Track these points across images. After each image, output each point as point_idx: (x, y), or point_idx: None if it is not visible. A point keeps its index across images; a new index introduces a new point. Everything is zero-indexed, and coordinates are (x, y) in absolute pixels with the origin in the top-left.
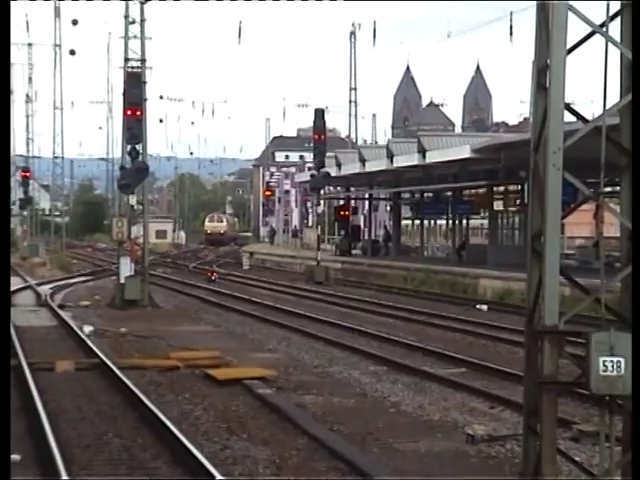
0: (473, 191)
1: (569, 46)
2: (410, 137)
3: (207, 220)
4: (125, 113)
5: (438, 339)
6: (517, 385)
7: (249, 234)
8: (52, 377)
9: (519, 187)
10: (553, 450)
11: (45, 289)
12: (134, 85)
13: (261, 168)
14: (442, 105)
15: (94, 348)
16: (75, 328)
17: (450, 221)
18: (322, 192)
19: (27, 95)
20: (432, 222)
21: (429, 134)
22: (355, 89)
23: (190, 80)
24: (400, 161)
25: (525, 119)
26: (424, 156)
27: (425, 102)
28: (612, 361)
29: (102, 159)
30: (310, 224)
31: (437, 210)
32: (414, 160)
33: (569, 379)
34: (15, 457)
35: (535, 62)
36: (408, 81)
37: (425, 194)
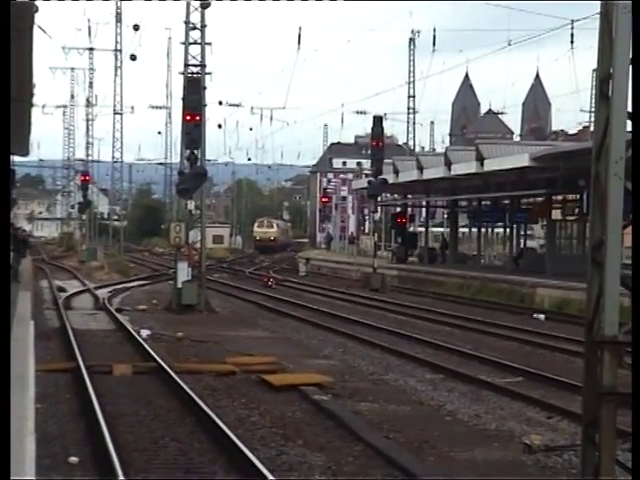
0: (531, 199)
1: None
2: (468, 145)
3: (256, 225)
4: (184, 118)
5: (495, 348)
6: (575, 395)
7: (305, 240)
8: (110, 380)
9: (578, 196)
10: (612, 461)
11: (103, 293)
12: (193, 90)
13: (318, 174)
14: (501, 113)
15: (151, 352)
16: (132, 332)
17: (507, 229)
18: (379, 199)
19: (87, 100)
20: (489, 230)
21: (487, 142)
22: (414, 97)
23: (249, 86)
24: (458, 169)
25: (584, 128)
26: (482, 164)
27: (483, 110)
28: None
29: (160, 164)
30: (367, 231)
31: (494, 218)
32: (472, 168)
33: (629, 390)
34: (74, 459)
35: (597, 71)
36: (467, 89)
37: (483, 202)
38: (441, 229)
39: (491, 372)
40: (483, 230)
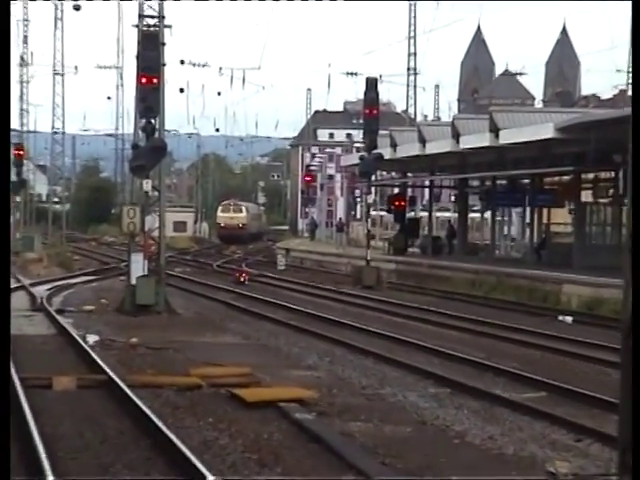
0: (556, 178)
1: None
2: (480, 113)
3: (220, 209)
4: (139, 81)
5: (512, 356)
6: (609, 414)
7: (285, 228)
8: (49, 396)
9: (613, 174)
10: None
11: (41, 290)
12: (150, 47)
13: (300, 148)
14: (519, 74)
15: (99, 362)
16: (77, 337)
17: (527, 214)
18: (373, 178)
19: (21, 57)
20: (505, 215)
21: (503, 109)
22: (414, 54)
23: (217, 42)
24: (468, 142)
25: (621, 91)
26: (497, 136)
27: (499, 71)
28: None
29: (110, 135)
30: (358, 216)
31: (511, 201)
32: (485, 141)
33: None
34: None
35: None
36: (479, 45)
37: (497, 181)
38: (447, 214)
39: (508, 385)
40: (498, 215)
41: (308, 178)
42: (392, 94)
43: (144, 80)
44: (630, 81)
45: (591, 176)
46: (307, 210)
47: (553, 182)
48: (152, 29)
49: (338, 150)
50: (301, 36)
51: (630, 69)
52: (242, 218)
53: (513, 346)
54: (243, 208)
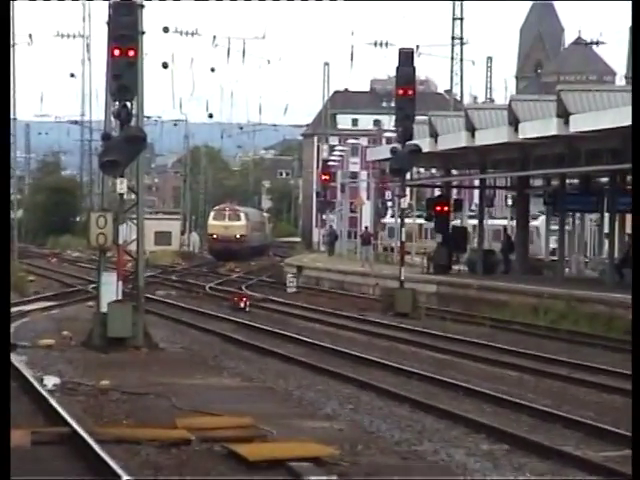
0: None
1: None
2: (545, 93)
3: (212, 216)
4: (111, 53)
5: (587, 404)
6: None
7: (296, 240)
8: None
9: None
10: None
11: None
12: (124, 11)
13: (315, 139)
14: (596, 43)
15: (61, 411)
16: (32, 380)
17: (606, 222)
18: (408, 176)
19: None
20: (577, 222)
21: (575, 88)
22: (461, 19)
23: (210, 6)
24: (529, 130)
25: None
26: (567, 122)
27: (569, 39)
28: None
29: (74, 122)
30: (389, 224)
31: (585, 205)
32: (551, 128)
33: None
34: None
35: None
36: (544, 7)
37: (567, 181)
38: (503, 222)
39: (581, 441)
40: (567, 223)
41: (325, 176)
42: (432, 69)
43: (117, 52)
44: None
45: None
46: (324, 217)
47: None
48: None
49: (363, 141)
50: None
51: None
52: (240, 227)
53: (588, 390)
54: (241, 215)
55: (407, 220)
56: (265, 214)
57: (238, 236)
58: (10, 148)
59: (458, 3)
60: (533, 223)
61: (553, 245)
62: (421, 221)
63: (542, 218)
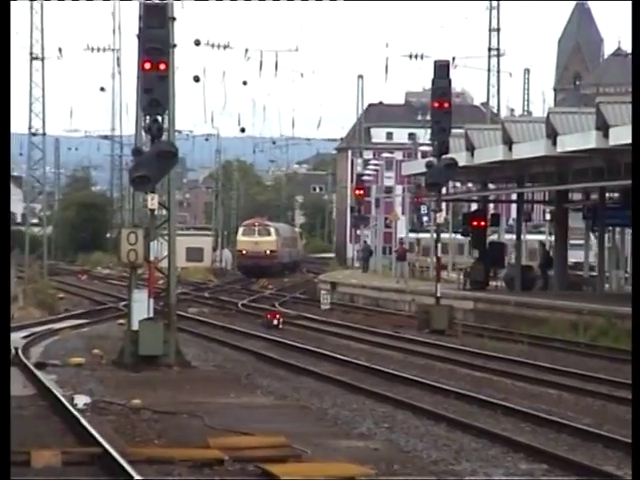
0: None
1: None
2: (584, 105)
3: (241, 232)
4: (142, 67)
5: (628, 422)
6: None
7: (330, 255)
8: (26, 476)
9: None
10: None
11: (15, 338)
12: (155, 23)
13: (349, 153)
14: None
15: (92, 431)
16: (62, 399)
17: None
18: (444, 191)
19: None
20: (615, 237)
21: (615, 100)
22: (498, 30)
23: (241, 18)
24: (568, 143)
25: None
26: (606, 135)
27: (609, 50)
28: None
29: (104, 137)
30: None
31: (626, 220)
32: (590, 141)
33: None
34: None
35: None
36: (582, 17)
37: (608, 194)
38: (540, 237)
39: (623, 461)
40: (608, 238)
41: (360, 191)
42: (468, 82)
43: (148, 66)
44: None
45: None
46: (358, 233)
47: None
48: (158, 0)
49: (398, 155)
50: (350, 9)
51: None
52: (270, 243)
53: (629, 409)
54: (272, 230)
55: (444, 235)
56: (297, 229)
57: (268, 252)
58: (10, 158)
59: (495, 14)
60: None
61: (574, 259)
62: (457, 236)
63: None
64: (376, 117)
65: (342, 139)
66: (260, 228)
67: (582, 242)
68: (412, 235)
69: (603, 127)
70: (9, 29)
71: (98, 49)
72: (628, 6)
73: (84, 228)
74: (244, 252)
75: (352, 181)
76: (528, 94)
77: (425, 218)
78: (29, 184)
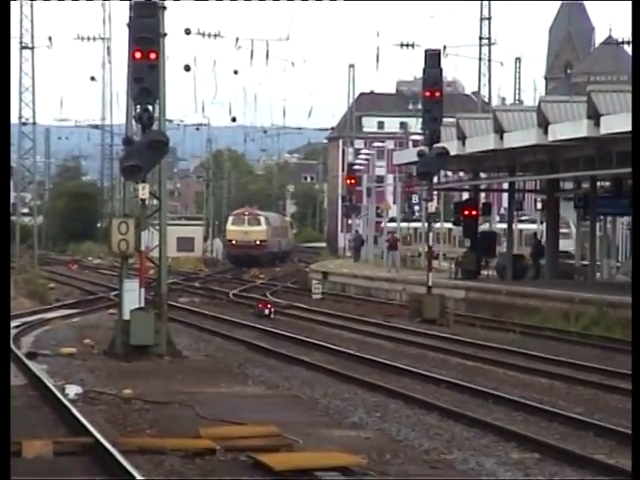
0: None
1: None
2: (575, 94)
3: (231, 221)
4: (132, 56)
5: (620, 411)
6: None
7: (321, 245)
8: (18, 466)
9: None
10: None
11: None
12: (146, 12)
13: (340, 142)
14: (627, 43)
15: (83, 421)
16: (53, 389)
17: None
18: (435, 180)
19: None
20: (607, 225)
21: (606, 88)
22: (489, 19)
23: (233, 7)
24: (559, 131)
25: None
26: (597, 123)
27: (600, 39)
28: None
29: (95, 127)
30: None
31: (617, 208)
32: (581, 130)
33: None
34: None
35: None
36: (573, 6)
37: (599, 183)
38: (532, 226)
39: (614, 450)
40: (599, 227)
41: (351, 180)
42: (459, 71)
43: (138, 55)
44: None
45: None
46: (350, 222)
47: None
48: None
49: (390, 144)
50: None
51: None
52: (260, 232)
53: (621, 397)
54: (262, 219)
55: (434, 224)
56: (287, 218)
57: (258, 241)
58: (10, 154)
59: (486, 3)
60: (533, 226)
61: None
62: (448, 225)
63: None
64: (367, 106)
65: (333, 128)
66: (250, 217)
67: (566, 231)
68: (391, 225)
69: (594, 116)
70: (9, 29)
71: (88, 38)
72: None
73: (75, 218)
74: (234, 242)
75: (343, 170)
76: (519, 83)
77: (416, 207)
78: (19, 173)
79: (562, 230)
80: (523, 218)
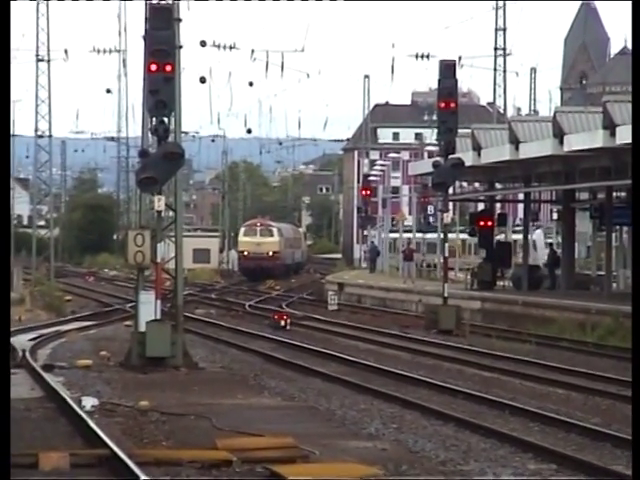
0: None
1: None
2: (590, 104)
3: (242, 232)
4: (148, 68)
5: None
6: None
7: (337, 256)
8: (34, 478)
9: None
10: None
11: (23, 340)
12: (161, 25)
13: (356, 154)
14: None
15: (100, 433)
16: (70, 401)
17: None
18: (451, 191)
19: None
20: (622, 236)
21: (621, 98)
22: (504, 30)
23: (247, 18)
24: (575, 142)
25: None
26: (613, 134)
27: (615, 49)
28: None
29: (111, 139)
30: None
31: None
32: (597, 140)
33: None
34: None
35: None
36: (588, 16)
37: (615, 193)
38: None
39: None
40: (615, 237)
41: (366, 192)
42: (475, 82)
43: (154, 67)
44: None
45: None
46: (365, 233)
47: None
48: (164, 1)
49: (405, 155)
50: (356, 9)
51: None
52: (272, 244)
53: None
54: (274, 230)
55: (450, 235)
56: (301, 229)
57: (270, 253)
58: (10, 160)
59: (501, 13)
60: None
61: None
62: (464, 236)
63: (539, 232)
64: (382, 117)
65: (348, 139)
66: (262, 228)
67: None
68: (453, 236)
69: (610, 126)
70: (9, 29)
71: (104, 51)
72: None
73: (91, 230)
74: (246, 253)
75: (359, 181)
76: (535, 93)
77: (431, 218)
78: (36, 186)
79: (551, 240)
80: (517, 228)
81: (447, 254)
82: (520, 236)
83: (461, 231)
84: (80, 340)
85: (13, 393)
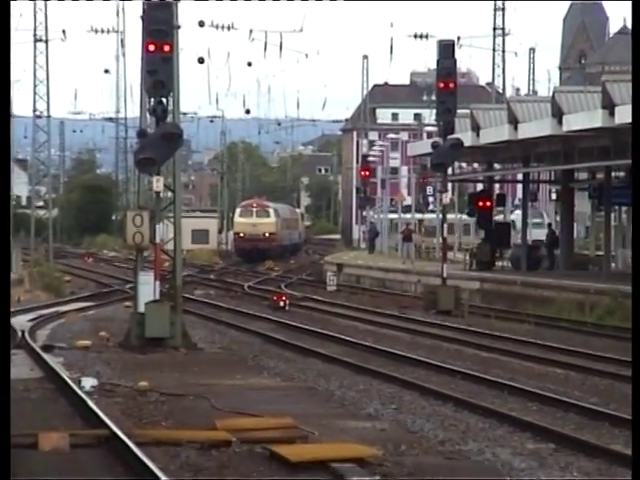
0: None
1: None
2: (590, 84)
3: (238, 213)
4: (145, 48)
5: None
6: None
7: (336, 237)
8: (34, 459)
9: None
10: None
11: (22, 321)
12: (159, 4)
13: (355, 134)
14: None
15: (99, 413)
16: (69, 382)
17: None
18: (450, 171)
19: None
20: (621, 216)
21: (620, 78)
22: (503, 10)
23: None
24: (574, 122)
25: None
26: (612, 113)
27: (614, 28)
28: None
29: (109, 120)
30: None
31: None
32: (596, 120)
33: None
34: None
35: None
36: None
37: (614, 173)
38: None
39: (630, 440)
40: (614, 217)
41: (365, 172)
42: (473, 62)
43: (152, 47)
44: None
45: None
46: (364, 214)
47: None
48: None
49: (404, 136)
50: None
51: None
52: (269, 225)
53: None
54: (270, 211)
55: (449, 216)
56: (298, 210)
57: (266, 234)
58: (10, 147)
59: None
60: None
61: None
62: (463, 217)
63: (517, 212)
64: (381, 98)
65: (347, 120)
66: (258, 209)
67: (539, 221)
68: (452, 216)
69: (609, 106)
70: (9, 29)
71: (102, 31)
72: None
73: (89, 211)
74: (241, 234)
75: (357, 162)
76: (533, 73)
77: (431, 199)
78: (34, 167)
79: (535, 220)
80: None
81: (446, 234)
82: (519, 216)
83: (460, 212)
84: (79, 321)
85: (13, 374)
